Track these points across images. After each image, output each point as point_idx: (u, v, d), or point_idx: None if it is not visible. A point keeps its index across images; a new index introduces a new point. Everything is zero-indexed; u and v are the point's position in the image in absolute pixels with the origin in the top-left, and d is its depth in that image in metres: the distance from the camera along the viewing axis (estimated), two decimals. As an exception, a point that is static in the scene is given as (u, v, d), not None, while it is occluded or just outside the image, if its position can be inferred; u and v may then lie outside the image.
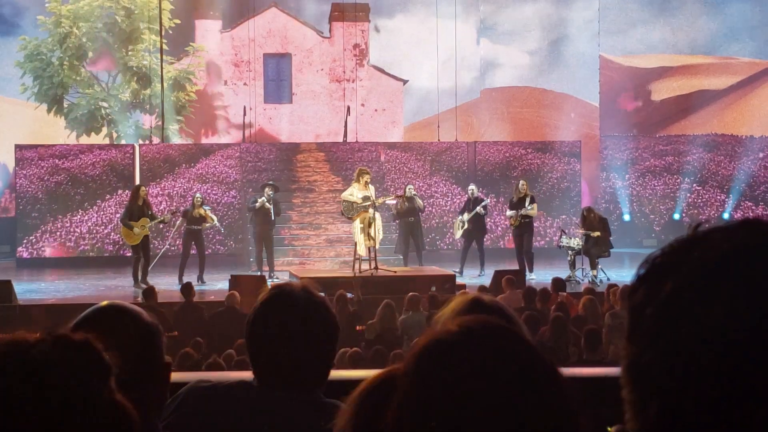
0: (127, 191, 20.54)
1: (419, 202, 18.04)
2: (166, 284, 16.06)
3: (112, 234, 20.75)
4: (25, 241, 20.60)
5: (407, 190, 17.99)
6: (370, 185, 16.20)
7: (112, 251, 20.73)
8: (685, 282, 0.93)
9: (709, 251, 0.94)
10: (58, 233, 20.79)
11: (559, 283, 13.06)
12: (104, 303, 2.24)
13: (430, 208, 20.56)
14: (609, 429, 1.13)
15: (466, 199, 18.44)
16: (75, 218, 20.87)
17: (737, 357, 0.89)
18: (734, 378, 0.89)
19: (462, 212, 18.05)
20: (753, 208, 22.78)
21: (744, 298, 0.90)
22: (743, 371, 0.88)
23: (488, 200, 19.18)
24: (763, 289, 0.90)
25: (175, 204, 19.82)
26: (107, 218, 20.95)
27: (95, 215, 20.96)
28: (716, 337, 0.90)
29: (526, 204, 17.14)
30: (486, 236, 18.74)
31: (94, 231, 20.89)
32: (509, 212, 17.54)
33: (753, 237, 0.94)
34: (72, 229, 20.85)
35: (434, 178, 21.51)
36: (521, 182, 17.58)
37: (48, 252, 20.69)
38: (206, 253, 17.53)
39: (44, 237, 20.73)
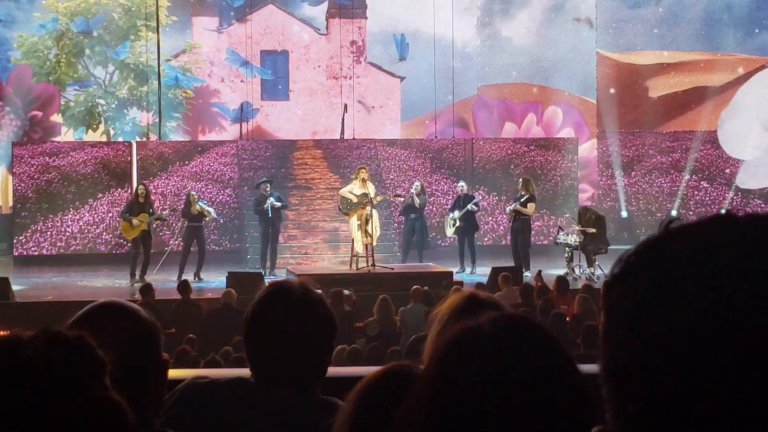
0: (120, 190, 20.51)
1: (417, 200, 18.10)
2: (164, 281, 16.04)
3: (104, 234, 20.54)
4: (15, 240, 20.41)
5: (414, 187, 18.16)
6: (368, 182, 16.24)
7: (105, 251, 20.45)
8: (660, 277, 0.93)
9: (683, 246, 0.93)
10: (49, 233, 20.41)
11: (562, 282, 13.03)
12: (102, 301, 2.25)
13: (430, 207, 20.58)
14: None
15: (456, 196, 18.56)
16: (66, 218, 20.48)
17: (715, 351, 0.88)
18: (713, 373, 0.88)
19: (452, 210, 18.14)
20: (762, 205, 22.69)
21: (720, 292, 0.89)
22: (721, 366, 0.88)
23: (479, 197, 19.23)
24: (738, 282, 0.89)
25: (168, 203, 19.71)
26: (99, 218, 20.53)
27: (87, 214, 20.54)
28: (693, 332, 0.89)
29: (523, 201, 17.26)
30: (484, 234, 18.77)
31: (86, 231, 20.49)
32: (508, 207, 17.77)
33: (726, 230, 0.93)
34: (63, 229, 20.45)
35: (435, 176, 21.47)
36: (521, 180, 17.77)
37: (36, 253, 20.43)
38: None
39: (34, 237, 20.39)
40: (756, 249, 0.91)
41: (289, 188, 20.35)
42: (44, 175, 20.67)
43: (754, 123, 22.73)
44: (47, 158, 20.79)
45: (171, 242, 18.64)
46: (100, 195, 20.70)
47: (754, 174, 22.77)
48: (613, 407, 0.95)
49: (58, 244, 20.45)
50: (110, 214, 20.36)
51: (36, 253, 20.32)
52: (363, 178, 16.15)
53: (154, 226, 18.07)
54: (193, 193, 17.54)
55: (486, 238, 20.85)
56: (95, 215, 20.63)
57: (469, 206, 17.81)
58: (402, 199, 18.45)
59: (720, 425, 0.88)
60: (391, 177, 21.26)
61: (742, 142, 22.82)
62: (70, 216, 20.55)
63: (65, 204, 20.59)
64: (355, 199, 16.09)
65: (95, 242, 20.53)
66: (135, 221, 16.56)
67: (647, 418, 0.91)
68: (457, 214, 17.76)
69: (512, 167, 21.26)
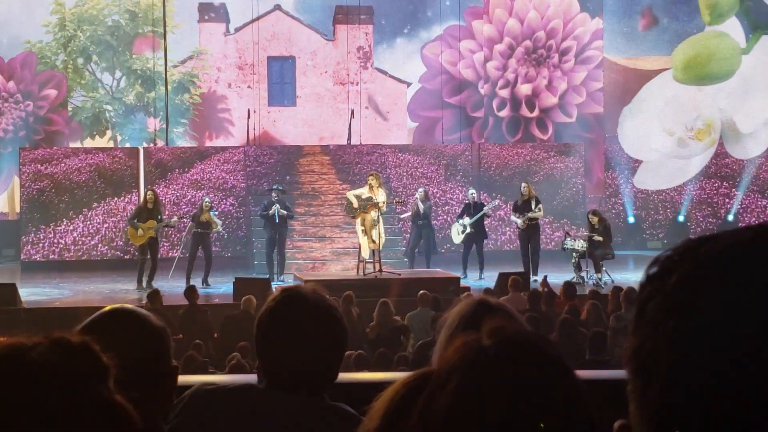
0: (116, 198, 20.47)
1: (421, 206, 18.08)
2: (171, 287, 16.04)
3: (100, 245, 20.37)
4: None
5: (418, 193, 18.10)
6: (379, 189, 16.21)
7: (101, 259, 20.10)
8: (689, 273, 0.97)
9: (715, 248, 0.97)
10: (41, 244, 20.14)
11: (569, 288, 13.00)
12: (111, 306, 2.24)
13: (445, 216, 20.45)
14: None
15: (465, 203, 18.49)
16: (59, 228, 20.16)
17: (739, 342, 0.91)
18: (735, 363, 0.91)
19: (460, 216, 18.08)
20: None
21: (747, 288, 0.93)
22: (737, 360, 0.91)
23: (496, 203, 19.04)
24: (760, 284, 0.93)
25: (168, 212, 19.63)
26: (94, 228, 20.22)
27: (81, 225, 20.24)
28: (719, 323, 0.93)
29: (532, 206, 17.19)
30: (502, 244, 18.65)
31: (80, 242, 20.20)
32: (513, 217, 17.63)
33: (759, 234, 0.98)
34: (55, 240, 20.11)
35: (449, 184, 21.36)
36: (523, 184, 17.64)
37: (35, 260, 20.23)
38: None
39: (26, 248, 20.11)
40: None
41: (294, 197, 20.14)
42: (35, 183, 20.37)
43: (654, 124, 22.68)
44: (38, 165, 20.54)
45: (175, 253, 18.59)
46: (95, 204, 20.45)
47: (652, 175, 22.74)
48: (635, 396, 0.99)
49: (51, 256, 20.24)
50: (106, 225, 20.16)
51: (43, 260, 20.23)
52: (371, 185, 16.15)
53: (162, 232, 18.07)
54: (207, 200, 17.61)
55: (504, 249, 20.68)
56: (90, 226, 20.24)
57: (486, 209, 17.78)
58: (406, 211, 18.36)
59: (733, 415, 0.91)
60: (402, 184, 21.15)
61: (642, 142, 22.77)
62: (63, 227, 20.19)
63: (58, 214, 20.23)
64: (355, 203, 16.07)
65: (90, 254, 20.24)
66: (141, 230, 16.56)
67: (668, 402, 0.95)
68: (468, 220, 17.69)
69: (530, 174, 21.06)
